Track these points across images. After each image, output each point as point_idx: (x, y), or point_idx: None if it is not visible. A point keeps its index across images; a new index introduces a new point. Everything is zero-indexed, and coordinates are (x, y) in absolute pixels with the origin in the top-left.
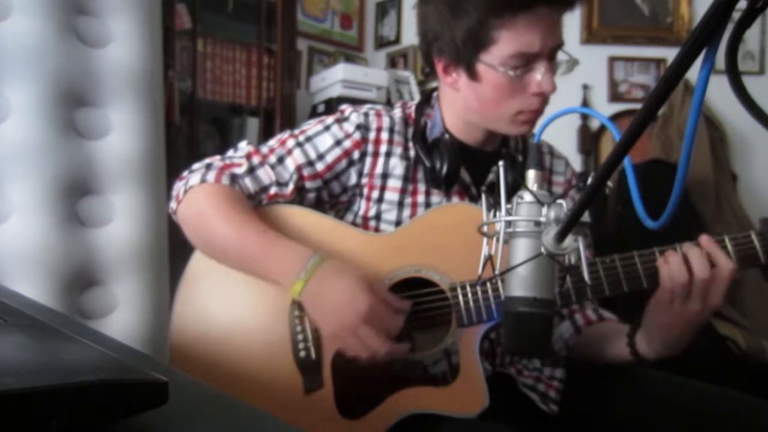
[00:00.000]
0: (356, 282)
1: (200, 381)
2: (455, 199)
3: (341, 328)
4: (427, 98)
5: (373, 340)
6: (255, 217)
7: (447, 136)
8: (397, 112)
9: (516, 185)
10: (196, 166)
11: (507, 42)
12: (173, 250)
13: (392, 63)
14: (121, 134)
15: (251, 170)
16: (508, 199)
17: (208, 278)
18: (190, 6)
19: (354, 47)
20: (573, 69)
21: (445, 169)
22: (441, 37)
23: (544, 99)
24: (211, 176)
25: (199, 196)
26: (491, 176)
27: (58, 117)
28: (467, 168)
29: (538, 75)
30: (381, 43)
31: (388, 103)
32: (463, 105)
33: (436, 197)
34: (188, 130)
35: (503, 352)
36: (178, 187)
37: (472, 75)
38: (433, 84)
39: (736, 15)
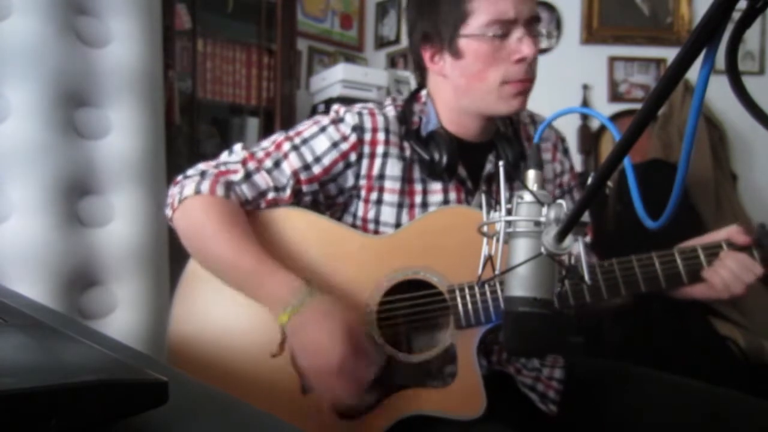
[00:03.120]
0: (338, 328)
1: (200, 381)
2: (452, 196)
3: (313, 370)
4: (413, 95)
5: (340, 390)
6: (251, 237)
7: (442, 130)
8: (390, 110)
9: (517, 162)
10: (190, 172)
11: (482, 11)
12: (173, 250)
13: (392, 63)
14: (121, 134)
15: (248, 176)
16: (512, 180)
17: (206, 279)
18: (190, 6)
19: (354, 47)
20: (552, 44)
21: (445, 158)
22: (425, 24)
23: (528, 67)
24: (205, 186)
25: (194, 209)
26: (488, 166)
27: (58, 117)
28: (462, 162)
29: (517, 40)
30: (381, 43)
31: None
32: (452, 91)
33: (434, 196)
34: (188, 130)
35: (500, 349)
36: (173, 194)
37: (455, 53)
38: None
39: (736, 15)
